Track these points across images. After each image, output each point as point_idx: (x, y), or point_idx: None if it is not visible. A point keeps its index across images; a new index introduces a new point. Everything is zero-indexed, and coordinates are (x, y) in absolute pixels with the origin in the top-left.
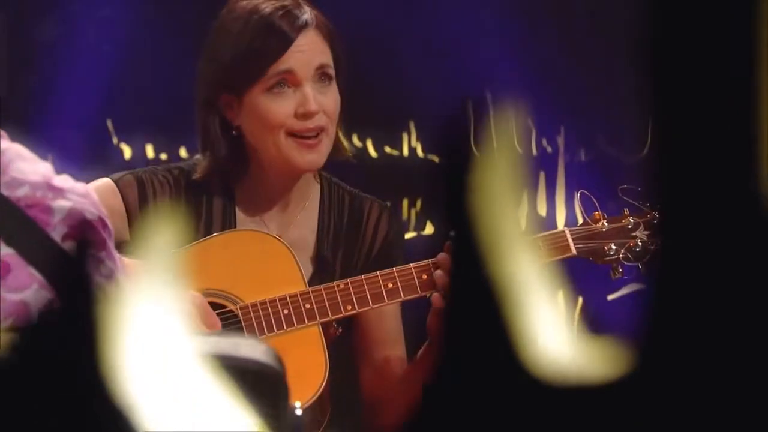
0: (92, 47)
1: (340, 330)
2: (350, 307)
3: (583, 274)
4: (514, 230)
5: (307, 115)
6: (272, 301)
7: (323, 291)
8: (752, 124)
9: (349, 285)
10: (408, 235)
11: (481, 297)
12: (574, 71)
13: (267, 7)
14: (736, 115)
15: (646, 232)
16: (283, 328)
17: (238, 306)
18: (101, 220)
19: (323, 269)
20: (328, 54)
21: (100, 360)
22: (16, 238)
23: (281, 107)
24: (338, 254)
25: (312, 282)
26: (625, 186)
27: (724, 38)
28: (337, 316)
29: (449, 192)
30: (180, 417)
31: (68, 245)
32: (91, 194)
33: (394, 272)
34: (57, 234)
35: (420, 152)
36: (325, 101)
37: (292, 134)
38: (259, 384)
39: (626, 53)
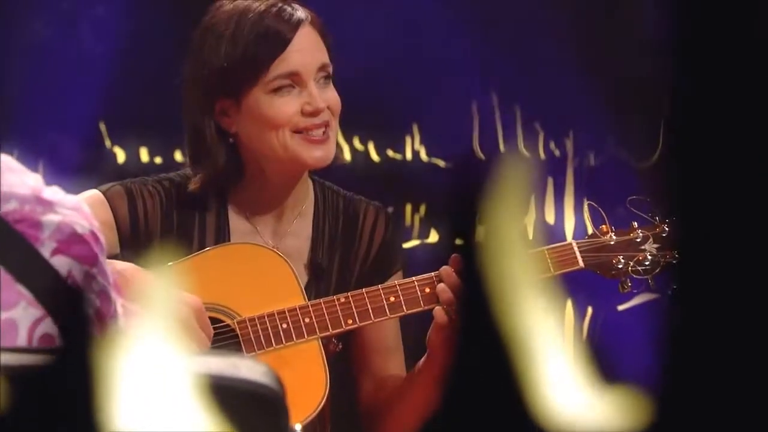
0: (84, 47)
1: (341, 346)
2: (351, 321)
3: (592, 283)
4: (521, 244)
5: (314, 113)
6: (270, 315)
7: (323, 305)
8: None
9: (350, 298)
10: (411, 244)
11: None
12: (584, 72)
13: (258, 6)
14: (755, 118)
15: (656, 246)
16: (282, 343)
17: (235, 320)
18: (93, 234)
19: (319, 277)
20: (326, 52)
21: (93, 382)
22: (3, 254)
23: (287, 105)
24: (334, 261)
25: (308, 290)
26: (634, 197)
27: (743, 37)
28: (337, 331)
29: (456, 199)
30: None
31: (58, 261)
32: (82, 207)
33: (396, 285)
34: (46, 249)
35: (424, 156)
36: (328, 97)
37: (297, 131)
38: (258, 406)
39: (638, 53)
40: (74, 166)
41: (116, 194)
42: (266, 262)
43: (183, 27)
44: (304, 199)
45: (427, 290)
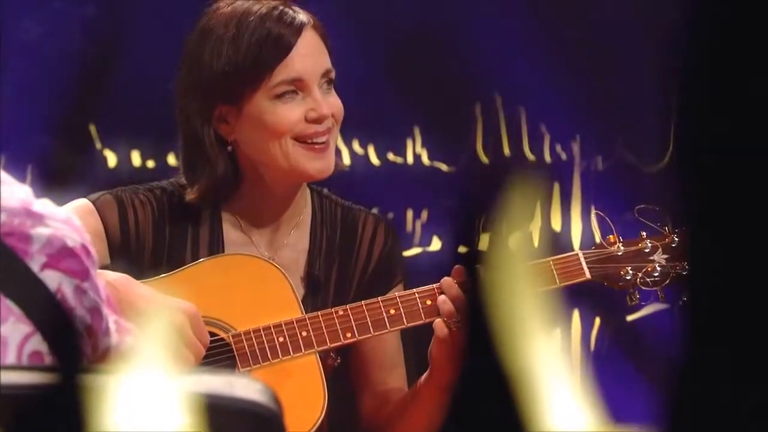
0: (73, 47)
1: (339, 360)
2: (350, 334)
3: (599, 292)
4: (527, 253)
5: (319, 120)
6: (266, 328)
7: (321, 318)
8: None
9: (349, 311)
10: (412, 252)
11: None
12: (590, 71)
13: (259, 9)
14: None
15: (665, 256)
16: (279, 357)
17: (229, 334)
18: (84, 247)
19: (316, 290)
20: (328, 56)
21: (84, 402)
22: None
23: (290, 112)
24: (332, 273)
25: (304, 303)
26: (642, 206)
27: (760, 33)
28: (335, 345)
29: (459, 204)
30: None
31: (48, 275)
32: (72, 220)
33: (396, 298)
34: (36, 264)
35: (426, 159)
36: (331, 103)
37: (299, 139)
38: (255, 425)
39: (647, 51)
40: (63, 171)
41: (106, 203)
42: (262, 273)
43: (178, 25)
44: (302, 209)
45: (429, 302)
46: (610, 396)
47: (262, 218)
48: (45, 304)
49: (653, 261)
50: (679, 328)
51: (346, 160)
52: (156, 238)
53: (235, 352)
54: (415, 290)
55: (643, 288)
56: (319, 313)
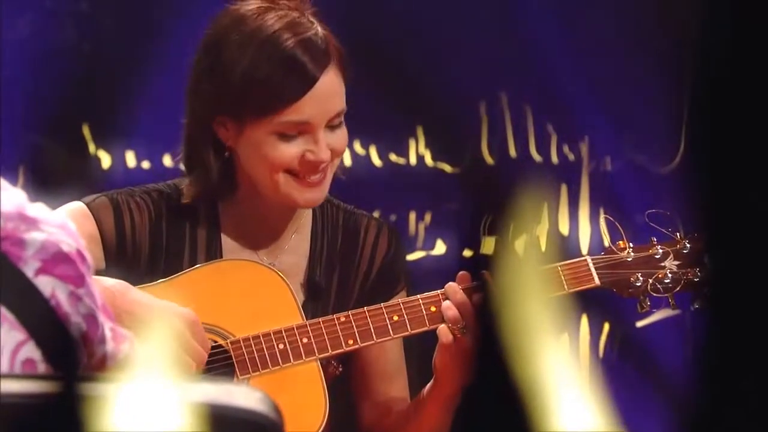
0: (67, 45)
1: (341, 368)
2: (352, 341)
3: (608, 297)
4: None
5: (316, 163)
6: (266, 335)
7: (322, 324)
8: None
9: (351, 318)
10: (415, 255)
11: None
12: (599, 70)
13: (287, 38)
14: None
15: (676, 262)
16: (279, 365)
17: (228, 341)
18: (79, 252)
19: (317, 296)
20: (343, 92)
21: (80, 412)
22: None
23: (288, 150)
24: (333, 279)
25: (305, 310)
26: (653, 210)
27: None
28: (337, 352)
29: (463, 207)
30: None
31: (42, 281)
32: (68, 225)
33: (399, 304)
34: (30, 269)
35: (429, 160)
36: (335, 141)
37: (292, 173)
38: None
39: (657, 48)
40: (56, 172)
41: (101, 206)
42: (261, 279)
43: (172, 25)
44: (302, 212)
45: (433, 309)
46: (618, 402)
47: (261, 222)
48: (39, 310)
49: (664, 267)
50: (692, 335)
51: (347, 161)
52: (153, 243)
53: (234, 360)
54: (419, 296)
55: (654, 295)
56: (320, 319)
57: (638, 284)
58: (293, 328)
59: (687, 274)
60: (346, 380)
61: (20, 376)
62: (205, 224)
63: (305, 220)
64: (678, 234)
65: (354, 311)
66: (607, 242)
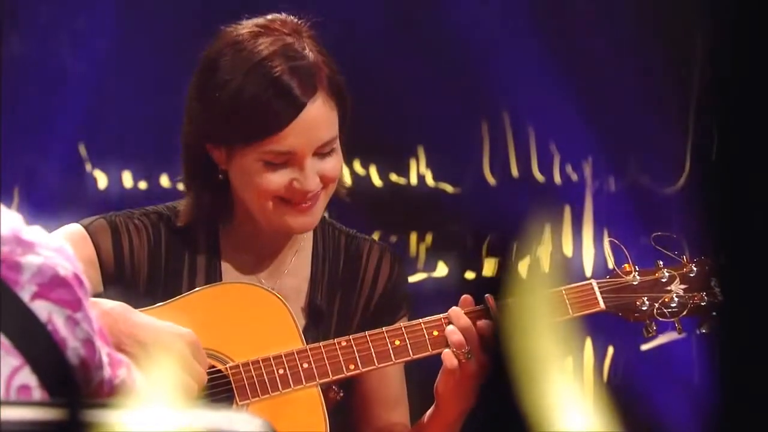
0: (64, 65)
1: (342, 394)
2: (353, 366)
3: (613, 320)
4: (538, 281)
5: (303, 192)
6: (266, 360)
7: (323, 349)
8: None
9: (352, 342)
10: (416, 277)
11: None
12: (602, 89)
13: (275, 65)
14: None
15: (683, 286)
16: (279, 390)
17: (227, 366)
18: (76, 276)
19: (317, 321)
20: (334, 120)
21: None
22: None
23: (275, 178)
24: (334, 304)
25: (306, 335)
26: (659, 233)
27: None
28: (338, 377)
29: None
30: None
31: (39, 305)
32: (65, 248)
33: (401, 328)
34: (26, 293)
35: (430, 180)
36: (325, 168)
37: (284, 199)
38: None
39: (661, 68)
40: (52, 192)
41: (99, 229)
42: (261, 303)
43: (170, 43)
44: (301, 236)
45: (436, 333)
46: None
47: (261, 246)
48: (35, 335)
49: (670, 291)
50: (702, 359)
51: (347, 181)
52: (151, 265)
53: (233, 385)
54: (421, 320)
55: (660, 319)
56: (321, 344)
57: (644, 308)
58: (293, 353)
59: (694, 298)
60: (346, 406)
61: (17, 402)
62: (205, 247)
63: (305, 243)
64: (684, 257)
65: (355, 336)
66: (611, 264)
